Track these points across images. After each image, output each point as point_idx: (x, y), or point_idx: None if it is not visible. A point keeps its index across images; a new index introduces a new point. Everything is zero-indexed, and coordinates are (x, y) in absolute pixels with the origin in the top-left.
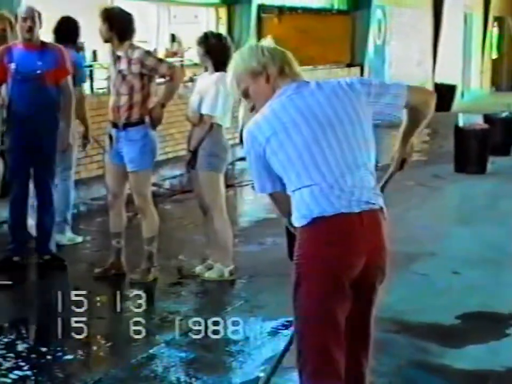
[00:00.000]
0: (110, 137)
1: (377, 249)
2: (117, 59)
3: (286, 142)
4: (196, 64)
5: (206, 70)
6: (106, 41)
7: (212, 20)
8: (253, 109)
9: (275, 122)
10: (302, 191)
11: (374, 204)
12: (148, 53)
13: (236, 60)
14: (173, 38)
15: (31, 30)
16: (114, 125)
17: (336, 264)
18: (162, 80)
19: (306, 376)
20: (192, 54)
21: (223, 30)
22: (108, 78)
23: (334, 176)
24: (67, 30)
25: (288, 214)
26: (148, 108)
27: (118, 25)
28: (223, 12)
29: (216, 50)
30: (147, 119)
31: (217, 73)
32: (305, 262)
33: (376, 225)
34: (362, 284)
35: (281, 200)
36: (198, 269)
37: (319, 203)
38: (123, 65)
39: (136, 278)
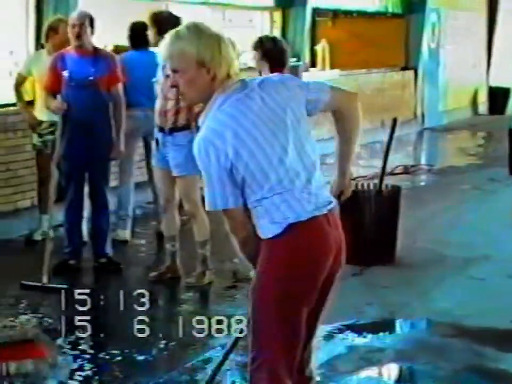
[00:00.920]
0: (157, 141)
1: (341, 247)
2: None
3: (256, 150)
4: (250, 68)
5: (260, 74)
6: (155, 45)
7: (266, 24)
8: (174, 87)
9: (238, 129)
10: (273, 199)
11: (332, 202)
12: None
13: (189, 37)
14: None
15: (79, 36)
16: (161, 129)
17: (315, 267)
18: None
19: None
20: (247, 57)
21: (277, 34)
22: (156, 82)
23: (302, 180)
24: (140, 34)
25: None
26: (195, 113)
27: (167, 30)
28: (277, 15)
29: (272, 55)
30: (193, 124)
31: None
32: (283, 269)
33: (338, 223)
34: (325, 282)
35: (240, 220)
36: (253, 272)
37: (294, 209)
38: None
39: (192, 281)
